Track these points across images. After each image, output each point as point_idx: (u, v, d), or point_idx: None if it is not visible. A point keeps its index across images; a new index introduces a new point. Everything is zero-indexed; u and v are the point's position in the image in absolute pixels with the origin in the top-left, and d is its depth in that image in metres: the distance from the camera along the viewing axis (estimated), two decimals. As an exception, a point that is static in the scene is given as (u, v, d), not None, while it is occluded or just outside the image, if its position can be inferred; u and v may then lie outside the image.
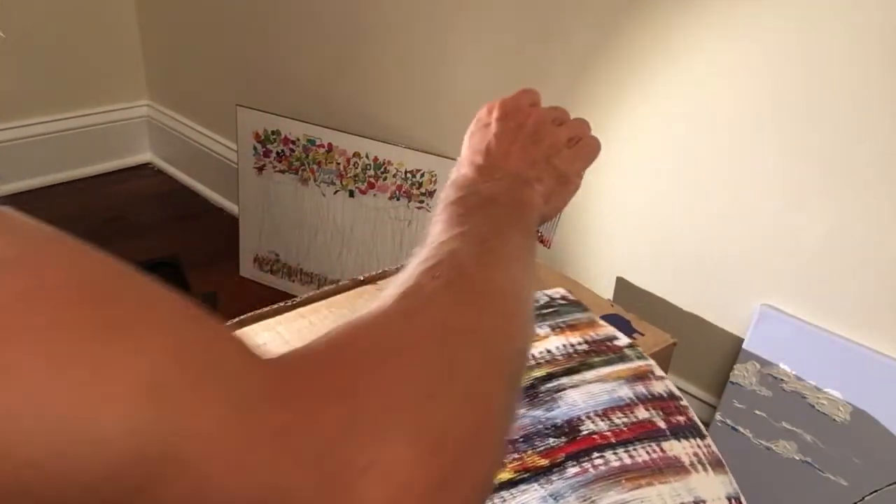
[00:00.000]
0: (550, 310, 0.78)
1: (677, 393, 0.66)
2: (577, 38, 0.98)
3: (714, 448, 0.63)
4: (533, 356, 0.72)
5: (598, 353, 0.71)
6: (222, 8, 1.57)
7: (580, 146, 0.55)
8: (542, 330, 0.75)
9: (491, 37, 1.08)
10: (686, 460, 0.62)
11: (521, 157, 0.51)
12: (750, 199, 0.86)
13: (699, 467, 0.62)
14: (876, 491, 0.80)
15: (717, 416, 0.90)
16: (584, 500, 0.59)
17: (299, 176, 1.41)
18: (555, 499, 0.60)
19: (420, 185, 1.26)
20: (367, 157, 1.32)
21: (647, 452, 0.62)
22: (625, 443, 0.63)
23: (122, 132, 1.88)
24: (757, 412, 0.87)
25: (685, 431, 0.64)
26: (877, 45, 0.73)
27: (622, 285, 1.01)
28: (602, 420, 0.65)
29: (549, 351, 0.73)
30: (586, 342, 0.73)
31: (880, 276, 0.78)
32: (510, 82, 1.07)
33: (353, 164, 1.33)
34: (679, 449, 0.63)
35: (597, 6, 0.94)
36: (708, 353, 0.95)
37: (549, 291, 0.80)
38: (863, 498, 0.80)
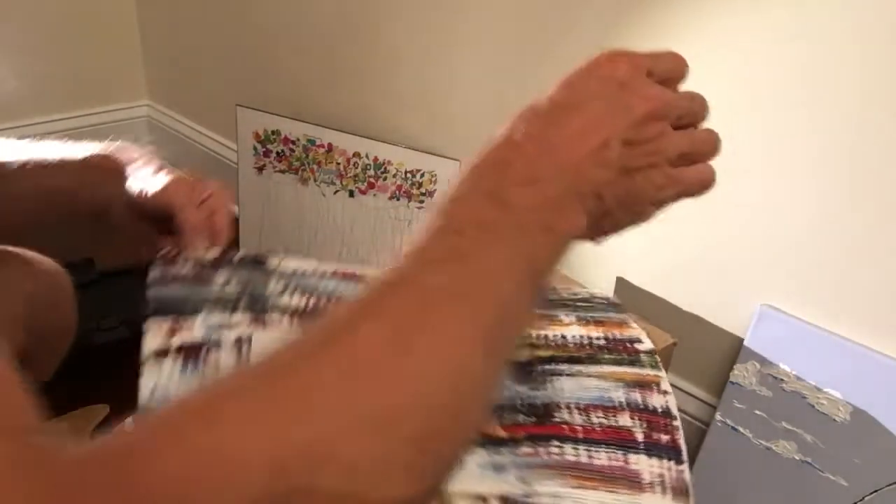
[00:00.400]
0: (586, 304, 0.76)
1: (674, 412, 0.64)
2: (578, 37, 0.97)
3: (686, 476, 0.61)
4: (546, 337, 0.70)
5: (611, 351, 0.69)
6: (222, 8, 1.57)
7: (689, 171, 0.41)
8: (567, 318, 0.73)
9: (491, 36, 1.08)
10: (647, 478, 0.60)
11: (598, 146, 0.36)
12: (750, 199, 0.86)
13: (657, 488, 0.60)
14: (876, 491, 0.80)
15: (717, 416, 0.90)
16: (521, 480, 0.58)
17: (299, 176, 1.41)
18: (493, 469, 0.59)
19: (420, 185, 1.26)
20: (367, 157, 1.32)
21: (609, 458, 0.60)
22: (591, 442, 0.61)
23: (122, 132, 1.88)
24: (757, 412, 0.87)
25: (661, 451, 0.62)
26: (879, 47, 0.73)
27: (622, 285, 1.01)
28: (580, 414, 0.63)
29: (563, 337, 0.71)
30: (605, 338, 0.71)
31: (881, 277, 0.78)
32: (510, 82, 1.07)
33: (353, 164, 1.34)
34: (645, 465, 0.60)
35: (599, 4, 0.94)
36: (708, 353, 0.95)
37: (595, 291, 0.79)
38: (863, 498, 0.80)
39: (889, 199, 0.76)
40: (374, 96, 1.31)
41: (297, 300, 0.68)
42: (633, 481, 0.59)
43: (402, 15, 1.20)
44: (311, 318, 0.67)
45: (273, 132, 1.41)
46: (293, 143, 1.39)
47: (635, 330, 0.72)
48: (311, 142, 1.37)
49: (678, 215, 0.95)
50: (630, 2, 0.91)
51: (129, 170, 0.70)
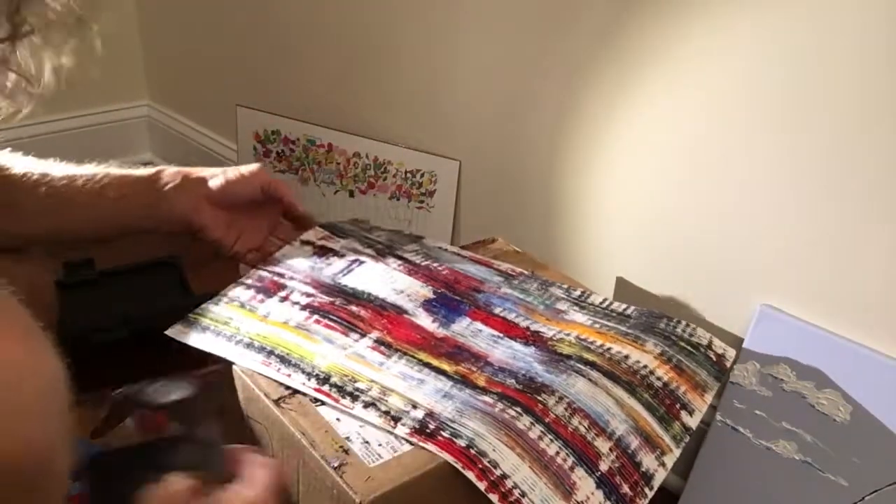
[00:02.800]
0: (692, 350, 0.72)
1: (654, 484, 0.61)
2: (579, 36, 0.98)
3: None
4: (609, 352, 0.68)
5: (655, 398, 0.66)
6: (222, 8, 1.57)
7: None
8: (654, 347, 0.70)
9: (491, 36, 1.08)
10: (580, 496, 0.57)
11: None
12: (750, 199, 0.86)
13: None
14: (876, 491, 0.80)
15: (717, 416, 0.90)
16: (458, 412, 0.59)
17: (299, 176, 1.41)
18: (443, 395, 0.61)
19: (420, 185, 1.26)
20: (367, 157, 1.32)
21: (557, 453, 0.58)
22: (551, 430, 0.59)
23: (122, 132, 1.88)
24: (757, 412, 0.87)
25: (613, 495, 0.59)
26: (881, 42, 0.73)
27: (622, 285, 1.01)
28: (565, 409, 0.61)
29: (626, 357, 0.68)
30: (664, 385, 0.67)
31: (881, 276, 0.79)
32: (511, 81, 1.07)
33: (353, 164, 1.34)
34: (587, 487, 0.58)
35: (600, 5, 0.94)
36: (708, 353, 0.95)
37: (720, 347, 0.75)
38: (863, 498, 0.80)
39: (889, 199, 0.76)
40: (375, 96, 1.31)
41: (416, 258, 0.81)
42: (563, 484, 0.57)
43: (402, 15, 1.20)
44: (415, 269, 0.79)
45: (273, 132, 1.41)
46: (293, 143, 1.39)
47: (701, 402, 0.68)
48: (311, 142, 1.37)
49: (679, 215, 0.95)
50: (630, 3, 0.91)
51: (194, 171, 0.80)
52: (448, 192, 1.22)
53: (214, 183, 0.79)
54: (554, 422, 0.60)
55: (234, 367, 0.66)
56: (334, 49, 1.34)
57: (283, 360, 0.65)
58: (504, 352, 0.68)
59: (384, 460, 0.57)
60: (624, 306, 0.78)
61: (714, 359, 0.73)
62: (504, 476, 0.55)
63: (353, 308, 0.71)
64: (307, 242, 0.83)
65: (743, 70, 0.83)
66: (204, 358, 0.69)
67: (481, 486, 0.54)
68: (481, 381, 0.63)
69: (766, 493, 0.87)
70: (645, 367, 0.68)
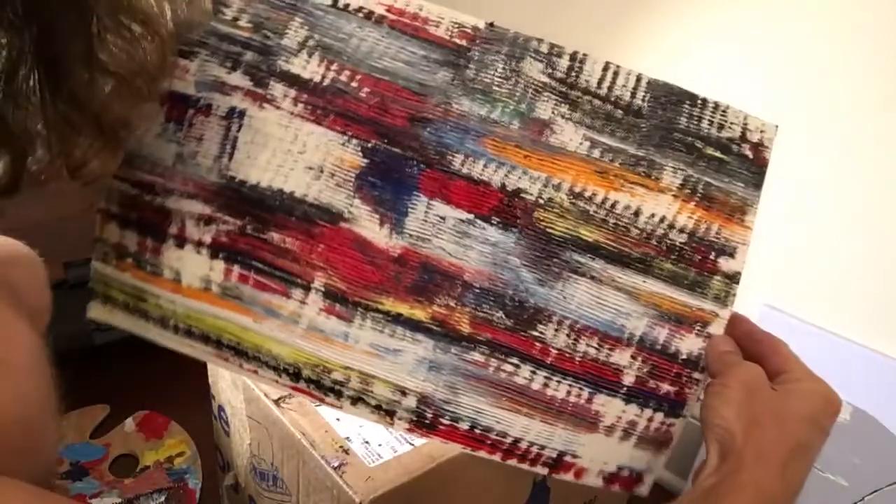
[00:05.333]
0: (719, 156, 0.56)
1: (701, 365, 0.53)
2: (579, 37, 0.98)
3: (675, 430, 0.53)
4: (613, 207, 0.53)
5: (681, 260, 0.53)
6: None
7: None
8: (673, 176, 0.54)
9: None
10: (608, 421, 0.52)
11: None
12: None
13: (617, 433, 0.52)
14: (876, 491, 0.80)
15: (717, 416, 0.90)
16: (450, 387, 0.52)
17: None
18: (428, 366, 0.52)
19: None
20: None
21: (568, 393, 0.52)
22: (556, 370, 0.52)
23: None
24: (757, 412, 0.87)
25: (651, 400, 0.52)
26: (879, 43, 0.73)
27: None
28: (568, 336, 0.53)
29: (636, 214, 0.54)
30: (690, 235, 0.54)
31: (881, 276, 0.78)
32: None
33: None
34: (613, 408, 0.52)
35: (601, 5, 0.94)
36: (708, 353, 0.94)
37: (751, 129, 0.59)
38: (863, 498, 0.80)
39: (889, 199, 0.76)
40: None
41: (312, 68, 0.52)
42: (583, 419, 0.52)
43: None
44: (321, 102, 0.52)
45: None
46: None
47: (742, 230, 0.54)
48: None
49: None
50: (630, 4, 0.91)
51: None
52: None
53: None
54: (557, 359, 0.52)
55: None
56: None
57: (238, 351, 0.53)
58: (481, 255, 0.53)
59: (384, 460, 0.57)
60: (632, 85, 0.56)
61: (750, 155, 0.57)
62: (517, 441, 0.52)
63: (274, 235, 0.52)
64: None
65: (746, 70, 0.83)
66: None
67: (495, 457, 0.52)
68: (465, 327, 0.52)
69: (766, 493, 0.87)
70: (662, 220, 0.54)
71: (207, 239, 0.52)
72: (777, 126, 0.59)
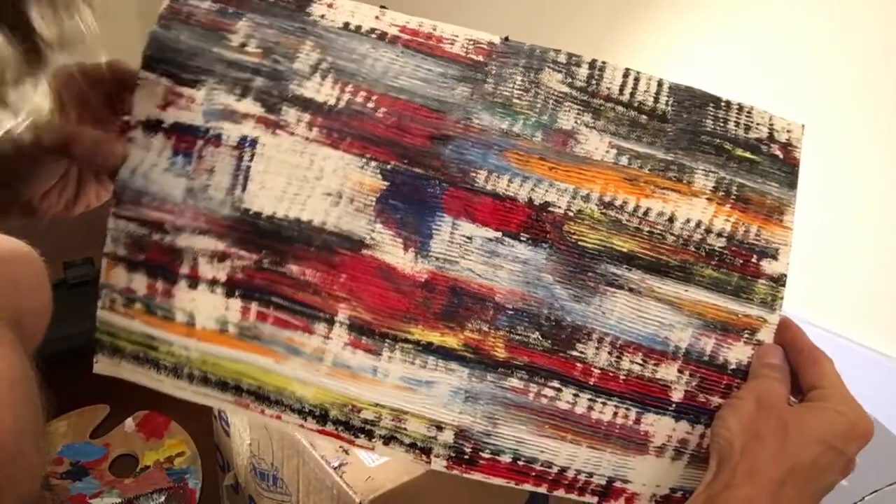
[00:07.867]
0: (749, 155, 0.54)
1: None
2: (580, 37, 0.97)
3: None
4: (646, 214, 0.51)
5: (722, 265, 0.51)
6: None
7: None
8: (706, 179, 0.52)
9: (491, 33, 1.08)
10: (659, 441, 0.50)
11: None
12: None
13: (668, 453, 0.50)
14: (876, 491, 0.80)
15: (717, 416, 0.90)
16: (489, 418, 0.50)
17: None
18: (465, 397, 0.50)
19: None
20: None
21: (615, 414, 0.50)
22: (601, 392, 0.50)
23: (121, 132, 1.88)
24: (757, 412, 0.87)
25: (702, 416, 0.50)
26: (878, 46, 0.73)
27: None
28: (610, 353, 0.50)
29: (671, 221, 0.51)
30: (729, 238, 0.52)
31: (881, 276, 0.79)
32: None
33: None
34: (664, 427, 0.50)
35: (603, 5, 0.94)
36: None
37: (778, 129, 0.56)
38: (863, 498, 0.80)
39: (889, 199, 0.76)
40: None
41: (326, 90, 0.50)
42: (632, 441, 0.50)
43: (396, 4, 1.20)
44: (337, 125, 0.50)
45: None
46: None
47: (782, 231, 0.52)
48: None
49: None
50: (630, 4, 0.91)
51: None
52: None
53: None
54: (601, 379, 0.50)
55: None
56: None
57: (259, 396, 0.50)
58: (511, 274, 0.51)
59: (384, 460, 0.57)
60: (654, 90, 0.54)
61: (781, 155, 0.55)
62: (563, 470, 0.50)
63: (293, 267, 0.50)
64: (153, 126, 0.50)
65: (746, 70, 0.83)
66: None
67: (542, 489, 0.50)
68: (501, 351, 0.50)
69: (766, 492, 0.87)
70: (699, 224, 0.52)
71: (222, 277, 0.50)
72: (804, 125, 0.57)
